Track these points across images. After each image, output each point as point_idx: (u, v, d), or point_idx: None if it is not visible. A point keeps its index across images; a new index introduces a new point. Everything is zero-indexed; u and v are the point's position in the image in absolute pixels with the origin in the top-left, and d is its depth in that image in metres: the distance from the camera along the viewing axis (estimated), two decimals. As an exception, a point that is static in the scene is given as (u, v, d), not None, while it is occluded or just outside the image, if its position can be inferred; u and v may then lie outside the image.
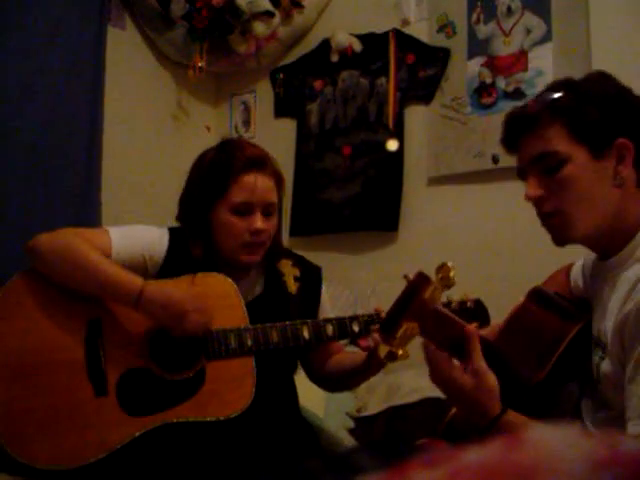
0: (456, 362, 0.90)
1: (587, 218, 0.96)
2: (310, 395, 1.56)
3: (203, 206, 1.33)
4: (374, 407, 1.89)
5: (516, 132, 1.04)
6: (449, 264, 0.86)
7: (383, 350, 0.87)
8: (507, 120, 1.06)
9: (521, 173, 1.04)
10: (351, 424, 1.87)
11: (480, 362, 0.89)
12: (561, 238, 1.01)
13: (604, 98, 0.97)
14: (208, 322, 1.22)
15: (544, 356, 0.99)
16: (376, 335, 1.24)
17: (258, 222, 1.30)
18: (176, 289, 1.22)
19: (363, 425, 1.86)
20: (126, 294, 1.18)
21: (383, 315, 1.28)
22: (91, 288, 1.21)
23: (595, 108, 0.96)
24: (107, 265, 1.21)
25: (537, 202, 1.01)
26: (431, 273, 0.91)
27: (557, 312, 1.06)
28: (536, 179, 1.00)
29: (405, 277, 0.88)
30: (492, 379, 0.89)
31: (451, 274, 0.85)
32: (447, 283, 0.86)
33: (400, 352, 0.86)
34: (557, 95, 0.99)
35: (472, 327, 0.89)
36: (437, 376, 0.91)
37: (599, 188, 0.96)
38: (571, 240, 1.00)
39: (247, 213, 1.31)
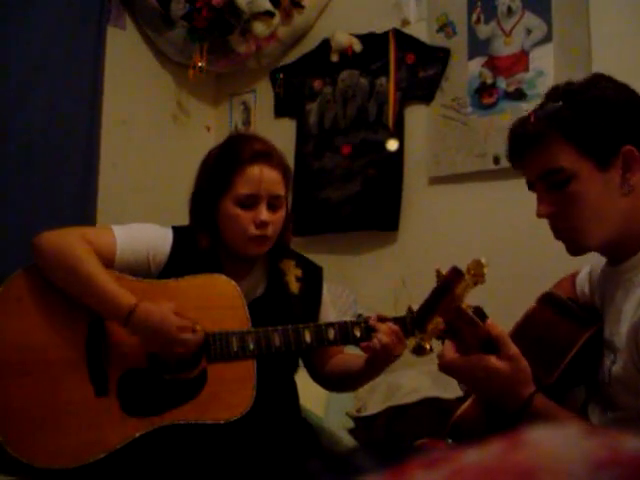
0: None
1: (599, 231, 0.96)
2: (310, 395, 1.56)
3: (210, 199, 1.33)
4: (374, 407, 1.89)
5: (520, 149, 1.03)
6: (482, 260, 0.86)
7: (412, 343, 0.88)
8: (510, 137, 1.05)
9: (531, 187, 1.04)
10: (351, 424, 1.87)
11: (514, 348, 0.90)
12: (575, 250, 1.01)
13: (606, 105, 0.95)
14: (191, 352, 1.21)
15: (555, 361, 0.99)
16: (388, 328, 1.24)
17: (263, 214, 1.29)
18: (166, 316, 1.18)
19: (363, 425, 1.86)
20: (116, 312, 1.18)
21: (373, 318, 1.29)
22: (83, 298, 1.20)
23: (598, 118, 0.94)
24: (102, 278, 1.19)
25: (549, 218, 1.01)
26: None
27: (570, 317, 1.06)
28: (545, 194, 1.00)
29: (437, 271, 0.88)
30: (526, 362, 0.91)
31: (484, 270, 0.86)
32: (478, 280, 0.86)
33: (427, 346, 0.87)
34: (557, 107, 0.98)
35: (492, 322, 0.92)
36: (471, 371, 0.92)
37: (608, 200, 0.96)
38: (585, 252, 1.01)
39: (252, 205, 1.30)
